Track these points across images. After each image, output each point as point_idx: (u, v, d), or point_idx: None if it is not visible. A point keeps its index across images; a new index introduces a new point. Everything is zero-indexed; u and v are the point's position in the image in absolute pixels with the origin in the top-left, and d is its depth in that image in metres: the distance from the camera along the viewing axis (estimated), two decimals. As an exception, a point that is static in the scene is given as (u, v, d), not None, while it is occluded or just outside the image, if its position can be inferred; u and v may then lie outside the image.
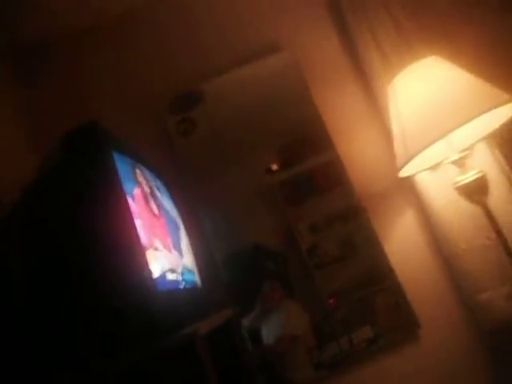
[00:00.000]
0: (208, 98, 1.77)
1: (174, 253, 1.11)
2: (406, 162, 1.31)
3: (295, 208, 1.72)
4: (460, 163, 1.37)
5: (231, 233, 1.70)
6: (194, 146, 1.73)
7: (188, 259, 1.21)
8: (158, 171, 1.28)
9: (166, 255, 1.03)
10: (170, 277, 1.00)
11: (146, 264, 0.87)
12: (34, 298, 0.87)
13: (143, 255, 0.88)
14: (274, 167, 1.76)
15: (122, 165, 0.99)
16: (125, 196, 0.91)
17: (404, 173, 1.42)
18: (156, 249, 0.98)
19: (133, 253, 0.87)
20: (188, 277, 1.14)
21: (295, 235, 1.69)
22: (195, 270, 1.27)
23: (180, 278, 1.07)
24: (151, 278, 0.88)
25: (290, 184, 1.75)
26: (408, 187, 1.59)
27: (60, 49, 1.79)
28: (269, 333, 1.62)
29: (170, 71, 1.79)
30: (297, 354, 1.60)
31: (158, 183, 1.25)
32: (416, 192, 1.57)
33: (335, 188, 1.72)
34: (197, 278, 1.26)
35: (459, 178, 1.35)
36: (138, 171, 1.10)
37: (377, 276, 1.64)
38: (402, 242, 1.60)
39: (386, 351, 1.54)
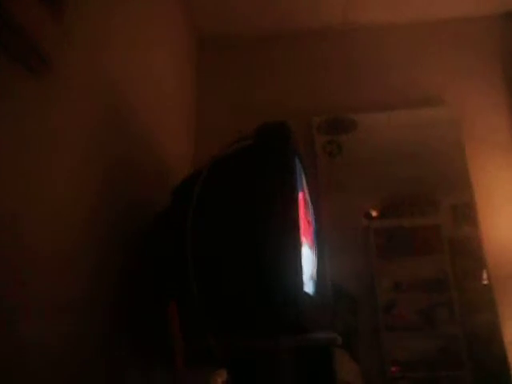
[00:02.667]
0: (359, 129, 1.83)
1: (315, 260, 1.16)
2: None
3: (384, 260, 1.70)
4: None
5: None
6: (334, 169, 1.80)
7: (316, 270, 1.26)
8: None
9: (312, 261, 1.09)
10: (310, 283, 1.05)
11: (300, 265, 0.93)
12: (199, 259, 0.95)
13: (300, 256, 0.94)
14: (374, 213, 1.76)
15: (297, 167, 1.07)
16: (297, 198, 0.98)
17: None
18: (306, 253, 1.03)
19: (294, 251, 0.93)
20: (315, 286, 1.19)
21: (375, 287, 1.67)
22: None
23: (313, 285, 1.11)
24: (302, 278, 0.93)
25: (387, 235, 1.74)
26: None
27: (240, 47, 1.96)
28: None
29: (331, 95, 1.88)
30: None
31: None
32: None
33: (430, 254, 1.69)
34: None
35: None
36: (303, 176, 1.18)
37: (453, 360, 1.56)
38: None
39: None
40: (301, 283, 0.90)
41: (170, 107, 1.54)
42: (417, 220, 1.74)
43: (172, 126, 1.56)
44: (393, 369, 1.56)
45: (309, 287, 1.03)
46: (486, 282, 1.57)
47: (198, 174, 1.06)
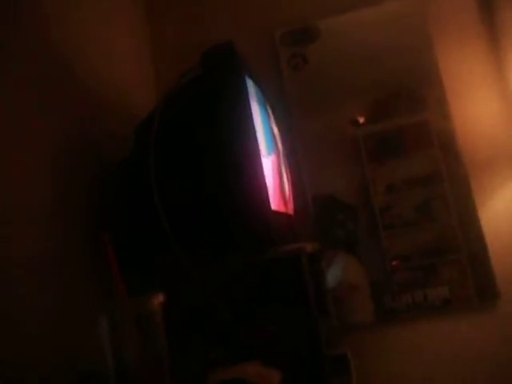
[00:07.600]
0: (324, 36, 1.76)
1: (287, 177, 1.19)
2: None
3: (376, 165, 1.70)
4: None
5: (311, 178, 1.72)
6: (302, 82, 1.75)
7: (286, 186, 1.29)
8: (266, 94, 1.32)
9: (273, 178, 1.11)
10: (280, 200, 1.09)
11: (264, 184, 0.95)
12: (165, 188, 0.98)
13: (263, 177, 0.96)
14: (361, 120, 1.73)
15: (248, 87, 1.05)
16: (253, 119, 0.99)
17: (522, 143, 1.37)
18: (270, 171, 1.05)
19: (257, 172, 0.95)
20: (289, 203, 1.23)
21: (370, 192, 1.69)
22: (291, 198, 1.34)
23: (286, 202, 1.15)
24: (269, 197, 0.96)
25: (376, 139, 1.72)
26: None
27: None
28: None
29: (289, 4, 1.78)
30: (356, 301, 1.66)
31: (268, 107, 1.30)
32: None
33: (421, 151, 1.69)
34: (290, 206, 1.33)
35: None
36: (256, 93, 1.16)
37: (448, 247, 1.63)
38: (497, 213, 1.59)
39: (459, 315, 1.59)
40: (267, 201, 0.93)
41: (120, 35, 1.49)
42: (405, 119, 1.71)
43: (125, 54, 1.51)
44: (393, 263, 1.64)
45: (278, 205, 1.07)
46: (463, 173, 1.61)
47: (154, 113, 1.06)
